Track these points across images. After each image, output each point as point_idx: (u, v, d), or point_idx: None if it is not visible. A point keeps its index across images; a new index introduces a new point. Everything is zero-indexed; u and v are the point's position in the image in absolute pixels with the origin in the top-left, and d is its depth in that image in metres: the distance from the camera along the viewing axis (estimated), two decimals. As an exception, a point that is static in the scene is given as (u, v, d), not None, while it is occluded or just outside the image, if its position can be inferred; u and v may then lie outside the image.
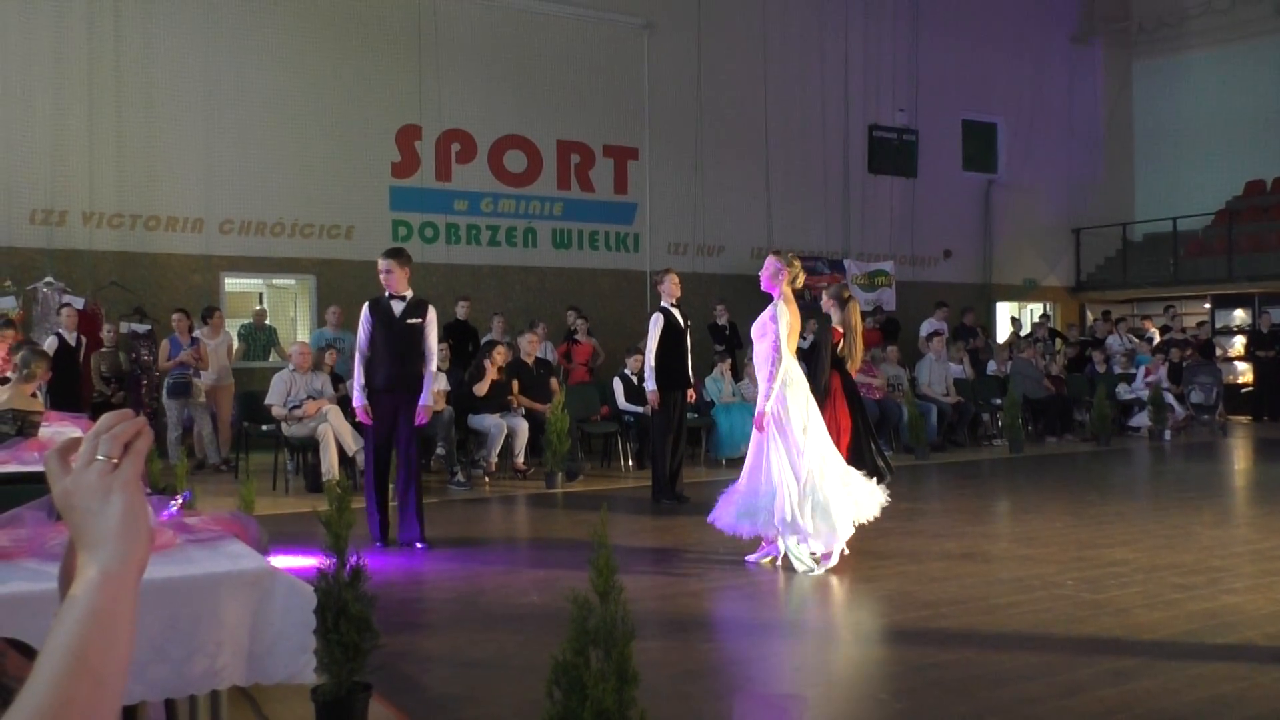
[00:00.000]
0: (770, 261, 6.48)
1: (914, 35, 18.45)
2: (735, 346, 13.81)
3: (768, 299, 6.48)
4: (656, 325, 8.81)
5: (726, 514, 6.32)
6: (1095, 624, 4.97)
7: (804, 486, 6.06)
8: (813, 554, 6.16)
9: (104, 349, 10.98)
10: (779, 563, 6.24)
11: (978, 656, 4.53)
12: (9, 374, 7.10)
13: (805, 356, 6.93)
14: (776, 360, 6.22)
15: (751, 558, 6.36)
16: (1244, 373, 18.24)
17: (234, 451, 10.84)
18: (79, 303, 10.97)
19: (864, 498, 6.22)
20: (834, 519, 6.01)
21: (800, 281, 6.49)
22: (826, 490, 6.05)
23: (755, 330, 6.43)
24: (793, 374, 6.28)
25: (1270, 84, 19.74)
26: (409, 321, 6.98)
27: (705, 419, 11.64)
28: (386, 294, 7.03)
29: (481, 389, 10.31)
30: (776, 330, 6.25)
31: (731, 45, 16.65)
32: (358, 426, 8.24)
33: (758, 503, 6.18)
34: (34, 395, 6.37)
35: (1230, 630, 4.84)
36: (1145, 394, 14.64)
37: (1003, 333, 18.38)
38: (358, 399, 6.95)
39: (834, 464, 6.25)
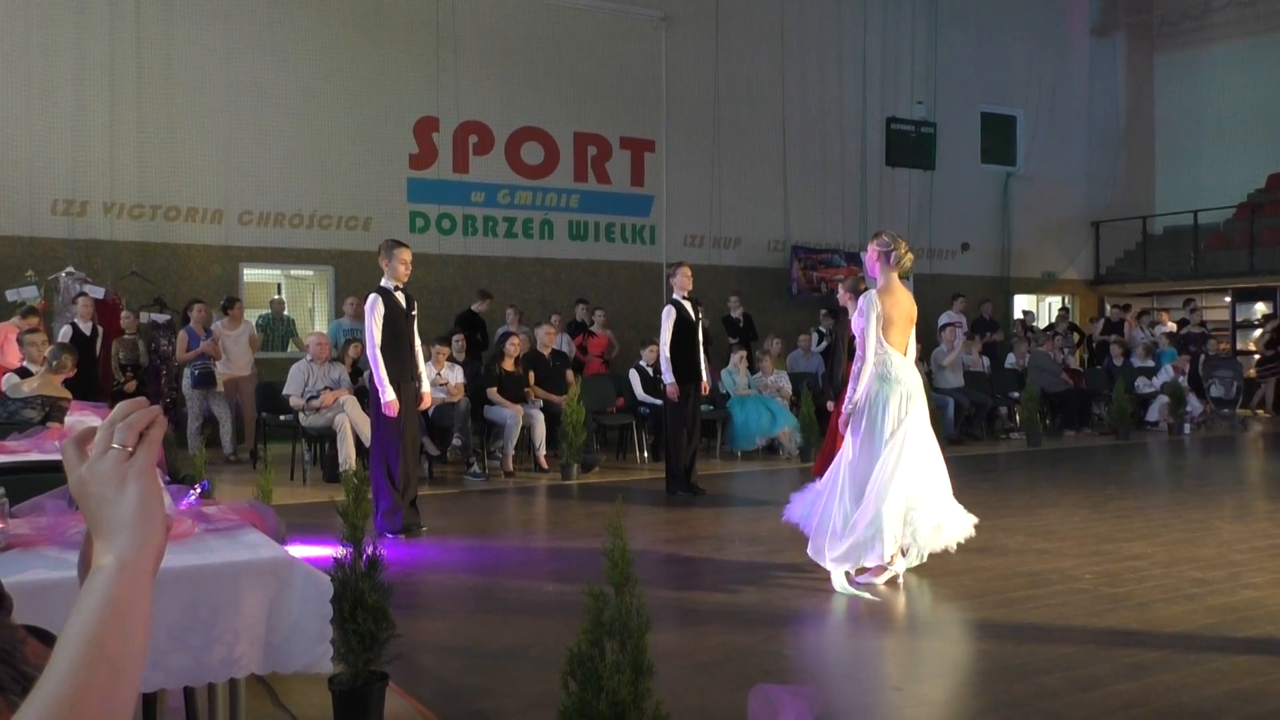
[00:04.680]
0: (871, 246, 5.86)
1: (933, 27, 18.34)
2: (750, 339, 13.77)
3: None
4: (668, 318, 8.83)
5: (798, 508, 5.95)
6: (1114, 618, 4.95)
7: (870, 494, 5.46)
8: (848, 571, 5.56)
9: (125, 336, 10.97)
10: (900, 581, 5.66)
11: (995, 649, 4.51)
12: (25, 364, 7.33)
13: (824, 352, 6.73)
14: (861, 356, 5.66)
15: (861, 578, 5.61)
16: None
17: (255, 442, 10.90)
18: (99, 292, 11.01)
19: (946, 523, 5.58)
20: (883, 530, 5.37)
21: (907, 263, 5.80)
22: (890, 501, 5.42)
23: (853, 322, 5.90)
24: (894, 370, 5.65)
25: (1293, 77, 19.58)
26: (412, 313, 7.24)
27: (721, 411, 11.63)
28: (394, 285, 7.10)
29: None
30: (862, 324, 5.69)
31: (749, 37, 16.59)
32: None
33: (816, 502, 5.80)
34: (61, 384, 6.71)
35: (1250, 625, 4.81)
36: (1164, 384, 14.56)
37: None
38: (387, 392, 6.93)
39: (920, 479, 5.55)
